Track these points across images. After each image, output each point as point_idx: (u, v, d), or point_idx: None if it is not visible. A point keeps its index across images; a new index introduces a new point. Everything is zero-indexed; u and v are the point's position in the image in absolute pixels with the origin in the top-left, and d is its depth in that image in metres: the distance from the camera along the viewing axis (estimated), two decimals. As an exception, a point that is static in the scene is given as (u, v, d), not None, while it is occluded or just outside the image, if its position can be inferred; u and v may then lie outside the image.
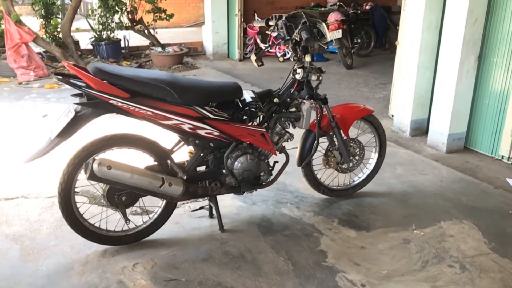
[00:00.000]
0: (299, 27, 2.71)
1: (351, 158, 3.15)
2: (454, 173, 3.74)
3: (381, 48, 9.10)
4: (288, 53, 8.59)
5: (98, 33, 7.82)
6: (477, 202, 3.27)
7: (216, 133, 2.59)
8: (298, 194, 3.35)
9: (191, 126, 2.52)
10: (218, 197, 2.92)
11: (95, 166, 2.31)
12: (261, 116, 2.82)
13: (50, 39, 7.50)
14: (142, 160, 2.64)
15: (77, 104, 2.37)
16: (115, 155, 2.55)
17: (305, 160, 3.03)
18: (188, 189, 2.60)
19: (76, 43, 7.86)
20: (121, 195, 2.52)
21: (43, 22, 7.60)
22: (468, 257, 2.64)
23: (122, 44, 8.03)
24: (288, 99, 2.87)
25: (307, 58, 2.79)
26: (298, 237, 2.82)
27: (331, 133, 3.06)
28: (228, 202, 3.19)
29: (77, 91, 2.39)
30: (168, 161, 2.57)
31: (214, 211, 2.92)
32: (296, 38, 2.77)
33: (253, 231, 2.88)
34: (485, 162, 4.04)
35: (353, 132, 3.21)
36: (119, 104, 2.36)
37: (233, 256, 2.62)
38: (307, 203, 3.24)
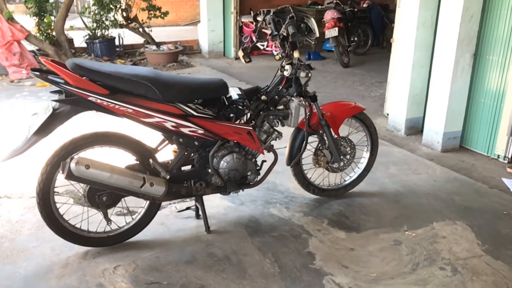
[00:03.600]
0: (286, 22, 2.63)
1: (341, 157, 3.07)
2: (448, 173, 3.66)
3: (378, 47, 9.02)
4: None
5: (92, 31, 7.74)
6: (471, 202, 3.19)
7: (201, 131, 2.51)
8: (288, 194, 3.27)
9: (174, 124, 2.44)
10: (206, 197, 2.85)
11: (72, 165, 2.23)
12: (249, 114, 2.75)
13: (44, 37, 7.43)
14: (125, 159, 2.57)
15: (55, 101, 2.29)
16: (97, 154, 2.48)
17: (294, 159, 2.95)
18: (171, 189, 2.52)
19: (70, 41, 7.79)
20: (101, 195, 2.45)
21: (37, 20, 7.53)
22: (460, 259, 2.56)
23: (117, 42, 7.96)
24: (276, 97, 2.79)
25: (296, 54, 2.71)
26: (286, 239, 2.74)
27: (321, 131, 2.99)
28: (216, 202, 3.12)
29: (56, 88, 2.32)
30: (150, 160, 2.49)
31: (200, 212, 2.84)
32: (284, 34, 2.69)
33: (240, 232, 2.80)
34: (480, 161, 3.96)
35: (345, 130, 3.13)
36: (98, 101, 2.28)
37: (218, 258, 2.54)
38: (296, 203, 3.16)
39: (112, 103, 2.30)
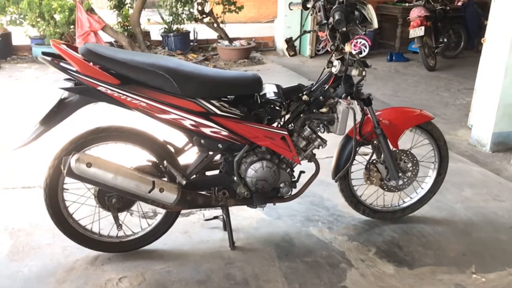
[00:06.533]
0: (333, 8, 2.19)
1: (400, 174, 2.56)
2: (540, 203, 2.98)
3: (472, 50, 8.07)
4: (365, 51, 7.92)
5: (167, 24, 7.76)
6: None
7: (224, 133, 2.17)
8: (334, 212, 2.82)
9: (193, 123, 2.12)
10: (240, 206, 2.52)
11: (72, 162, 1.99)
12: (286, 116, 2.35)
13: (122, 29, 7.57)
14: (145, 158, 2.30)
15: (63, 89, 2.07)
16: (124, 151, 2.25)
17: (340, 173, 2.50)
18: (185, 197, 2.20)
19: (147, 33, 7.88)
20: (111, 197, 2.19)
21: (117, 13, 7.71)
22: (544, 322, 1.97)
23: (192, 37, 7.90)
24: (321, 97, 2.36)
25: (347, 48, 2.26)
26: (320, 267, 2.30)
27: (375, 142, 2.51)
28: (249, 213, 2.76)
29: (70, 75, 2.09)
30: (165, 162, 2.19)
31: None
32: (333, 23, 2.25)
33: (268, 253, 2.41)
34: None
35: (407, 143, 2.62)
36: (108, 91, 2.02)
37: (234, 282, 2.18)
38: (342, 223, 2.70)
39: (123, 94, 2.03)
